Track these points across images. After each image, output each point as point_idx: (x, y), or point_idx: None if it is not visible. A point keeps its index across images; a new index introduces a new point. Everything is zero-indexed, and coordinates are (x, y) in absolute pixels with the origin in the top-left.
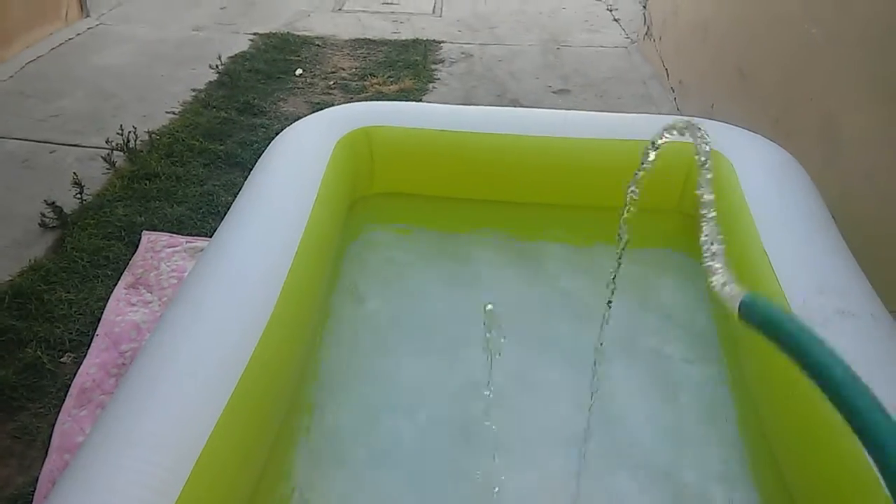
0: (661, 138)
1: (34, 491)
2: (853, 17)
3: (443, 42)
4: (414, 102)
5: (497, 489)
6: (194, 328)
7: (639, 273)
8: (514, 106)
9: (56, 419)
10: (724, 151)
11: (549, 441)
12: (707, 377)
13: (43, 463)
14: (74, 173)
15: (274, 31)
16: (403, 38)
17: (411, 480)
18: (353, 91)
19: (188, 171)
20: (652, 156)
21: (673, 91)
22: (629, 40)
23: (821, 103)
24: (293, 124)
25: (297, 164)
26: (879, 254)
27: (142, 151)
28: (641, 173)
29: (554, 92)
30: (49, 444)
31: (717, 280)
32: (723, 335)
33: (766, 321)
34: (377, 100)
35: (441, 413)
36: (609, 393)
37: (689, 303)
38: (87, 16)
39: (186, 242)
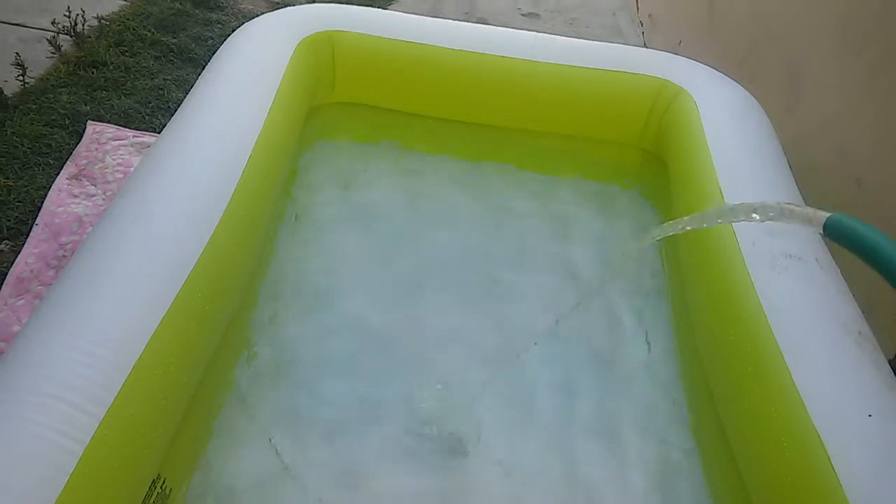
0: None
1: None
2: None
3: None
4: (381, 10)
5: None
6: (141, 224)
7: (592, 206)
8: (484, 24)
9: None
10: (687, 88)
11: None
12: (651, 310)
13: None
14: (17, 54)
15: None
16: None
17: (354, 386)
18: None
19: (138, 62)
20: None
21: (641, 25)
22: None
23: (786, 49)
24: (252, 21)
25: (255, 65)
26: (829, 201)
27: (90, 37)
28: None
29: (523, 15)
30: None
31: (797, 210)
32: (671, 271)
33: (853, 237)
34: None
35: (385, 323)
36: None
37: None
38: None
39: (133, 136)
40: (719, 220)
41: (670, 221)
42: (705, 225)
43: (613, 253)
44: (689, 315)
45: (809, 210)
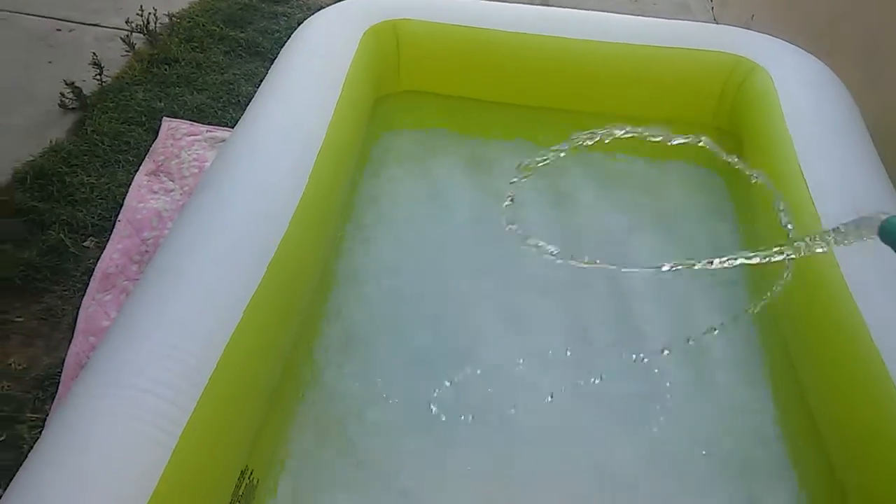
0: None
1: (61, 372)
2: None
3: None
4: None
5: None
6: (219, 219)
7: (666, 188)
8: (547, 6)
9: (81, 303)
10: (763, 64)
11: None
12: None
13: (69, 345)
14: (94, 53)
15: None
16: None
17: (432, 375)
18: None
19: (208, 57)
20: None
21: (711, 0)
22: None
23: (866, 23)
24: (317, 13)
25: (322, 57)
26: None
27: (161, 35)
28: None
29: None
30: (74, 326)
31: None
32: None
33: None
34: None
35: (460, 311)
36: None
37: (712, 222)
38: None
39: (207, 132)
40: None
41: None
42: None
43: (688, 250)
44: (783, 333)
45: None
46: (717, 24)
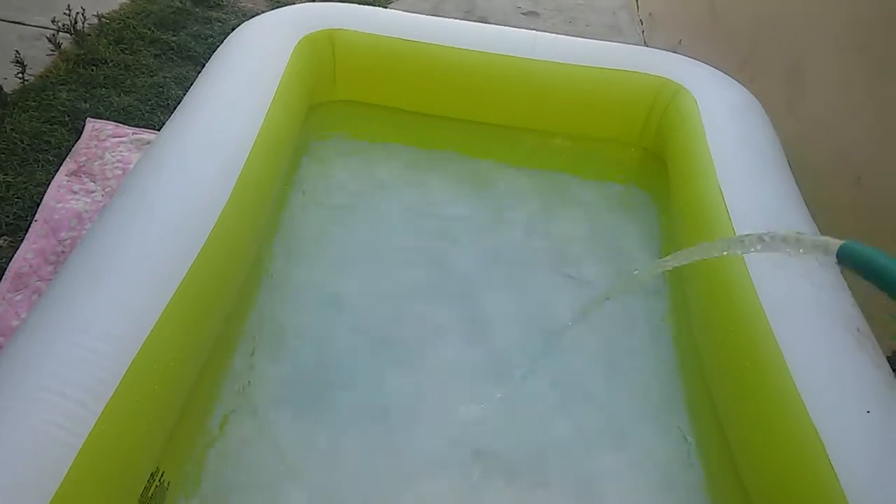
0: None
1: None
2: None
3: None
4: (382, 8)
5: None
6: (141, 220)
7: (593, 207)
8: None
9: None
10: (688, 87)
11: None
12: (649, 307)
13: None
14: (17, 52)
15: None
16: None
17: (356, 380)
18: None
19: (138, 59)
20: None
21: (642, 23)
22: None
23: (788, 49)
24: (252, 19)
25: (255, 62)
26: (828, 200)
27: (90, 35)
28: None
29: (523, 13)
30: None
31: (807, 238)
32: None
33: (866, 263)
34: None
35: (383, 320)
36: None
37: (639, 239)
38: None
39: (133, 134)
40: (725, 252)
41: (676, 253)
42: (714, 255)
43: (615, 267)
44: (687, 312)
45: (820, 238)
46: (647, 46)
